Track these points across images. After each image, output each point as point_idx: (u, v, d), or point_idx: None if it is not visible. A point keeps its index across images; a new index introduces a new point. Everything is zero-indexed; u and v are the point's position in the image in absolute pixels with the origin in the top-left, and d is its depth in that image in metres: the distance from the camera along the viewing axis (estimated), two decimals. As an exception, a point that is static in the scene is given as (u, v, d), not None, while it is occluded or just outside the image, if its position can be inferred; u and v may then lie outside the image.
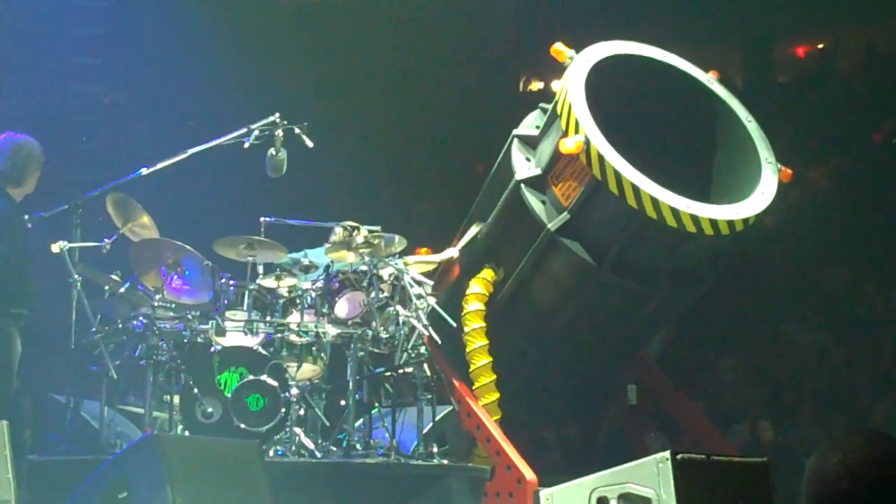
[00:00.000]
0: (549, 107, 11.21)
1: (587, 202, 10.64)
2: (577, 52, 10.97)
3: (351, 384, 10.01)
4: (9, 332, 9.38)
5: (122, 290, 9.98)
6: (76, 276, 9.62)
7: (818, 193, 18.13)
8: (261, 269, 10.59)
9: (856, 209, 17.24)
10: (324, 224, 11.38)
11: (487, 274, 11.62)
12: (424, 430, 10.12)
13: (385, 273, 10.44)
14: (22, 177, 9.54)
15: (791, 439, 14.14)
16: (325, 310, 10.27)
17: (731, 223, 10.39)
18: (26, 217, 9.69)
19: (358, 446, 9.87)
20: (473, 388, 11.39)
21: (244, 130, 10.17)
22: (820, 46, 20.74)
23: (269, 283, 10.37)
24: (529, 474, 10.60)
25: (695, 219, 10.25)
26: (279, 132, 10.15)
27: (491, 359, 11.36)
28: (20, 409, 11.66)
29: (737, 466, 7.18)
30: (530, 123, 11.69)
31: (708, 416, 13.02)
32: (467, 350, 11.42)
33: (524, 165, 11.31)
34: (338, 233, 11.02)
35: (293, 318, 10.26)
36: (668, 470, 6.58)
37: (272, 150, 10.18)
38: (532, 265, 11.21)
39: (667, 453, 6.67)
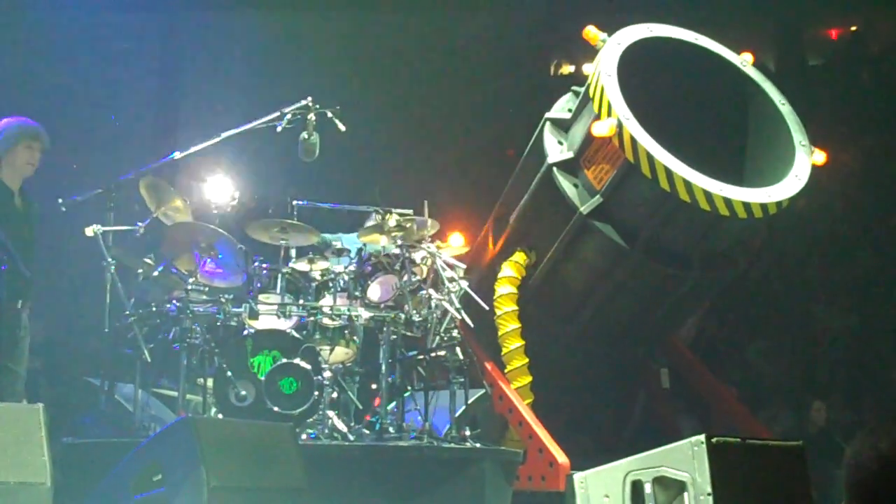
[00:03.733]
0: (582, 90, 11.20)
1: (620, 185, 10.62)
2: (609, 34, 10.94)
3: (384, 367, 10.02)
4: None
5: (156, 273, 9.97)
6: (110, 260, 9.63)
7: (850, 176, 18.04)
8: (293, 253, 10.61)
9: (887, 192, 17.15)
10: (356, 207, 11.40)
11: (520, 257, 11.63)
12: (457, 414, 10.11)
13: (418, 256, 10.44)
14: None
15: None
16: (357, 293, 10.30)
17: (764, 206, 10.35)
18: (60, 201, 9.69)
19: (391, 429, 9.89)
20: (506, 371, 11.41)
21: (277, 114, 10.18)
22: (852, 29, 20.61)
23: (302, 266, 10.39)
24: (561, 457, 10.61)
25: (728, 202, 10.21)
26: (311, 116, 10.15)
27: (523, 342, 11.38)
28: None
29: (773, 450, 7.16)
30: (562, 107, 11.67)
31: (740, 400, 12.99)
32: (499, 333, 11.43)
33: (556, 149, 11.30)
34: (375, 218, 11.03)
35: (326, 302, 10.28)
36: (703, 453, 6.57)
37: (304, 134, 10.18)
38: (564, 248, 11.21)
39: (702, 437, 6.65)
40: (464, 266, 10.88)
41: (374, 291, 10.33)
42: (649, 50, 11.00)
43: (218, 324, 10.05)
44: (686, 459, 6.66)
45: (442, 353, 10.13)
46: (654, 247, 10.79)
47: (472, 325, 10.35)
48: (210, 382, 9.85)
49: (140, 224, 10.06)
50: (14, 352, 9.45)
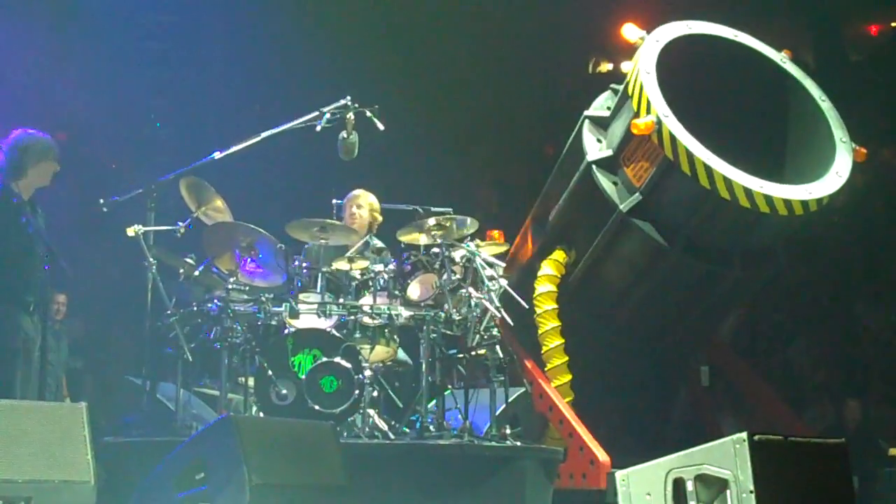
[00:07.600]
0: (620, 88, 11.19)
1: (659, 183, 10.61)
2: (648, 32, 10.93)
3: (424, 366, 10.03)
4: (15, 318, 9.29)
5: (197, 273, 10.03)
6: (151, 260, 9.69)
7: (891, 172, 17.93)
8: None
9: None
10: (396, 206, 11.41)
11: (559, 255, 11.63)
12: (497, 412, 10.12)
13: (457, 255, 10.44)
14: (20, 170, 9.47)
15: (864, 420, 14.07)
16: (397, 292, 10.30)
17: (805, 203, 10.32)
18: (101, 201, 9.73)
19: (431, 428, 9.89)
20: (546, 369, 11.41)
21: (316, 114, 10.18)
22: (893, 25, 20.47)
23: (342, 265, 10.40)
24: (602, 455, 10.61)
25: (768, 199, 10.19)
26: (351, 115, 10.16)
27: (563, 340, 11.38)
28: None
29: (815, 447, 7.14)
30: (601, 104, 11.67)
31: (780, 398, 12.94)
32: (539, 332, 11.44)
33: (595, 146, 11.30)
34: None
35: (366, 301, 10.27)
36: (746, 451, 6.56)
37: (344, 133, 10.19)
38: (604, 246, 11.20)
39: (743, 434, 6.64)
40: (503, 264, 10.87)
41: (414, 290, 10.33)
42: (688, 47, 10.99)
43: (258, 323, 10.06)
44: (728, 457, 6.65)
45: (482, 351, 10.12)
46: (694, 244, 10.77)
47: (511, 324, 10.33)
48: (251, 381, 9.88)
49: (181, 224, 10.09)
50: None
